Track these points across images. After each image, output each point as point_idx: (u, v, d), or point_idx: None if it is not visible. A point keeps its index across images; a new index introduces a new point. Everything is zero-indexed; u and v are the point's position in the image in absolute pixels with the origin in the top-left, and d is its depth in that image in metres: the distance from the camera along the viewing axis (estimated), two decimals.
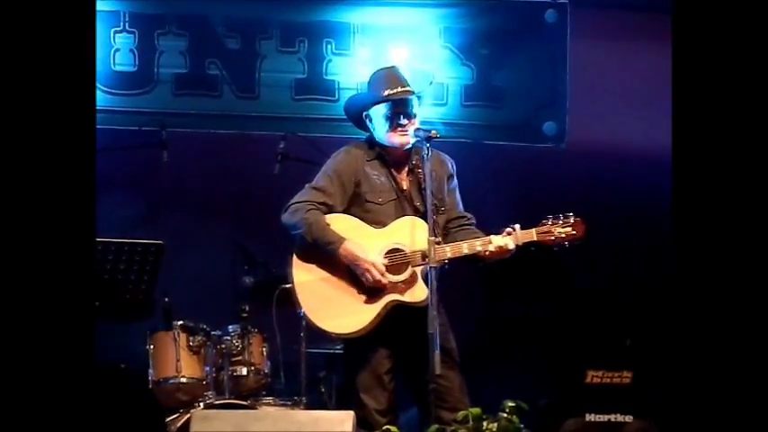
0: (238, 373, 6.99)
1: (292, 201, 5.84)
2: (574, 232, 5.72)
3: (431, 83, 6.03)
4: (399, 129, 5.83)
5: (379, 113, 5.88)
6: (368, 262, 5.66)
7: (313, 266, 5.79)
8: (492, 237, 5.70)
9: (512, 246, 5.68)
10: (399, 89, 5.86)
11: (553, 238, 5.71)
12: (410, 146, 5.85)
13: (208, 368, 6.96)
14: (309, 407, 6.94)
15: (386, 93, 5.85)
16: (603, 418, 7.25)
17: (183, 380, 6.89)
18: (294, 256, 5.83)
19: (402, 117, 5.83)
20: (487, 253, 5.69)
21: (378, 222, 5.80)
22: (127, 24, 8.36)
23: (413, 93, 5.89)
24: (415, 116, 5.87)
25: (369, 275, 5.66)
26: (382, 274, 5.66)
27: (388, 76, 5.98)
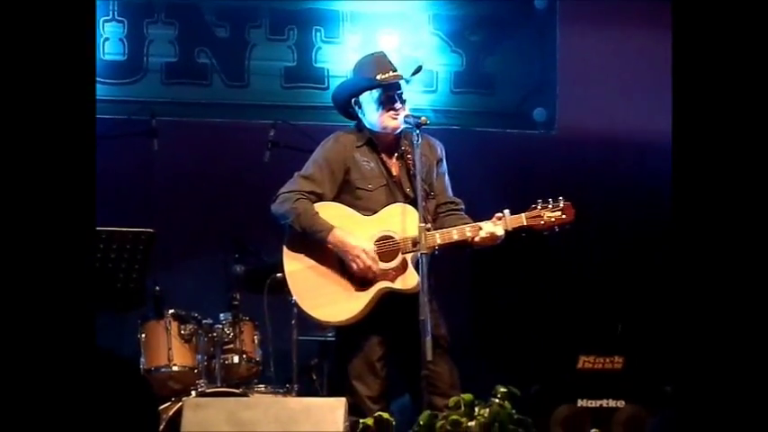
0: (230, 362, 6.99)
1: (281, 190, 5.84)
2: (563, 216, 5.72)
3: (420, 67, 6.02)
4: (393, 112, 5.83)
5: (370, 98, 5.87)
6: (357, 249, 5.67)
7: (303, 255, 5.79)
8: (482, 223, 5.71)
9: (501, 232, 5.68)
10: (391, 73, 5.87)
11: (543, 222, 5.71)
12: (400, 131, 5.86)
13: (199, 356, 6.97)
14: (301, 394, 6.94)
15: (378, 77, 5.85)
16: (595, 403, 7.25)
17: (175, 368, 6.89)
18: (284, 246, 5.84)
19: (395, 100, 5.84)
20: (477, 239, 5.69)
21: (368, 209, 5.80)
22: (116, 13, 8.35)
23: (403, 77, 5.89)
24: (405, 100, 5.87)
25: (359, 262, 5.66)
26: (373, 260, 5.67)
27: (378, 60, 5.98)
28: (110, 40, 8.32)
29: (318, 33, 8.58)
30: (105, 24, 8.30)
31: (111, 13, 8.33)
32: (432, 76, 8.61)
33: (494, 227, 5.67)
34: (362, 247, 5.68)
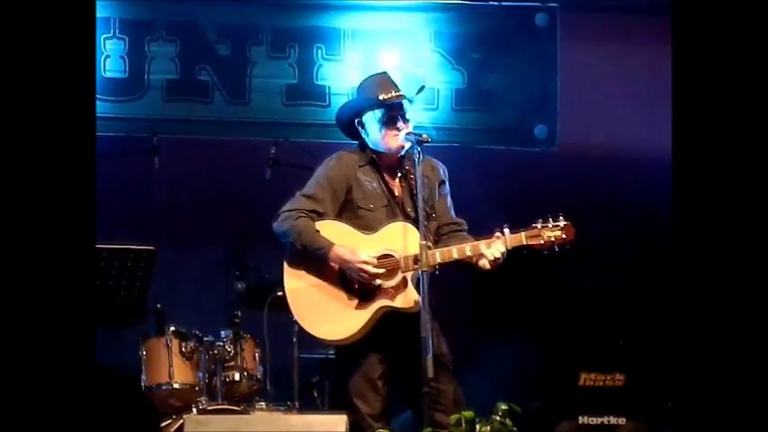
0: (231, 379, 7.00)
1: (283, 209, 5.84)
2: (564, 236, 5.70)
3: (423, 87, 6.03)
4: (395, 132, 5.83)
5: (373, 119, 5.87)
6: (359, 261, 5.66)
7: (304, 273, 5.79)
8: (481, 243, 5.70)
9: (503, 250, 5.67)
10: (394, 93, 5.86)
11: (543, 241, 5.69)
12: (404, 151, 5.85)
13: (200, 374, 6.97)
14: (302, 412, 6.93)
15: (381, 97, 5.85)
16: (596, 420, 7.26)
17: (176, 386, 6.89)
18: (285, 264, 5.83)
19: (398, 121, 5.84)
20: (480, 264, 5.68)
21: (369, 228, 5.79)
22: (117, 31, 8.35)
23: (406, 97, 5.89)
24: (409, 120, 5.88)
25: (364, 274, 5.66)
26: (377, 270, 5.65)
27: (381, 80, 5.98)
28: (111, 57, 8.32)
29: (319, 51, 8.58)
30: (106, 42, 8.30)
31: (112, 30, 8.33)
32: (433, 94, 8.61)
33: (493, 249, 5.65)
34: (364, 258, 5.67)
